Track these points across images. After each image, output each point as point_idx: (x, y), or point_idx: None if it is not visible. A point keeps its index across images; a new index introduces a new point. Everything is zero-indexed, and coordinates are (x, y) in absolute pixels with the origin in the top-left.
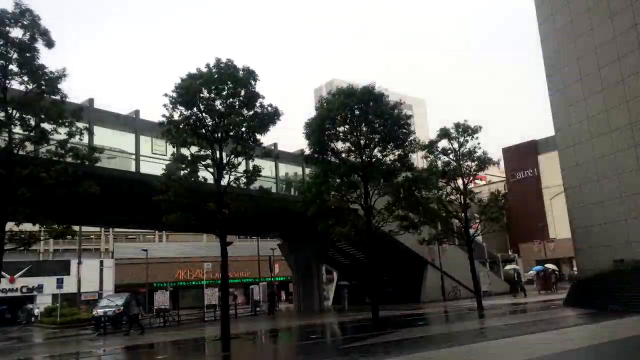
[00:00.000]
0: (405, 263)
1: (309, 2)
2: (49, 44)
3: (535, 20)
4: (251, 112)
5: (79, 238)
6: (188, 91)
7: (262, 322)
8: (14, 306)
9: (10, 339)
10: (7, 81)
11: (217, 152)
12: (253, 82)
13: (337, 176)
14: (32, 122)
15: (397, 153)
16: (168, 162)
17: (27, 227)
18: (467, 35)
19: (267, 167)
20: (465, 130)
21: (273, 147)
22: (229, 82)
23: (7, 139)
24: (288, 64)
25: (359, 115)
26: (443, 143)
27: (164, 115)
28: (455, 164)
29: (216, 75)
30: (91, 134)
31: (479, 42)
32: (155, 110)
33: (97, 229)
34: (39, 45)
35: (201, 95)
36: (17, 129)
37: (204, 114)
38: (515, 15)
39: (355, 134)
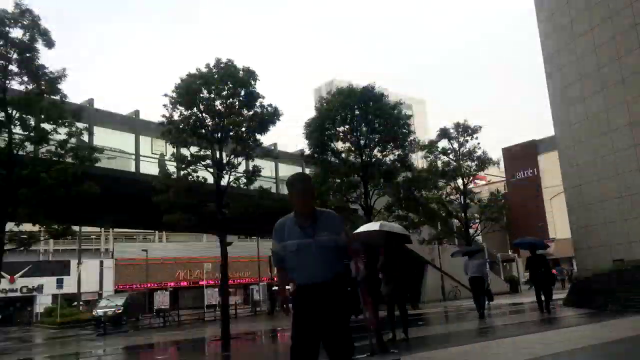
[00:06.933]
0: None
1: (310, 3)
2: (49, 44)
3: (535, 20)
4: (251, 112)
5: (79, 238)
6: (188, 91)
7: (262, 322)
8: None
9: (11, 339)
10: (7, 81)
11: (217, 152)
12: (253, 82)
13: (337, 176)
14: (32, 123)
15: (397, 153)
16: (168, 162)
17: (27, 227)
18: (467, 36)
19: (267, 167)
20: (465, 130)
21: (273, 147)
22: (229, 82)
23: (7, 139)
24: (288, 64)
25: (359, 115)
26: (443, 143)
27: (163, 116)
28: (455, 164)
29: (216, 75)
30: (91, 134)
31: (479, 42)
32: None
33: (97, 229)
34: (39, 45)
35: (201, 95)
36: (17, 129)
37: (203, 114)
38: (516, 15)
39: (355, 134)
